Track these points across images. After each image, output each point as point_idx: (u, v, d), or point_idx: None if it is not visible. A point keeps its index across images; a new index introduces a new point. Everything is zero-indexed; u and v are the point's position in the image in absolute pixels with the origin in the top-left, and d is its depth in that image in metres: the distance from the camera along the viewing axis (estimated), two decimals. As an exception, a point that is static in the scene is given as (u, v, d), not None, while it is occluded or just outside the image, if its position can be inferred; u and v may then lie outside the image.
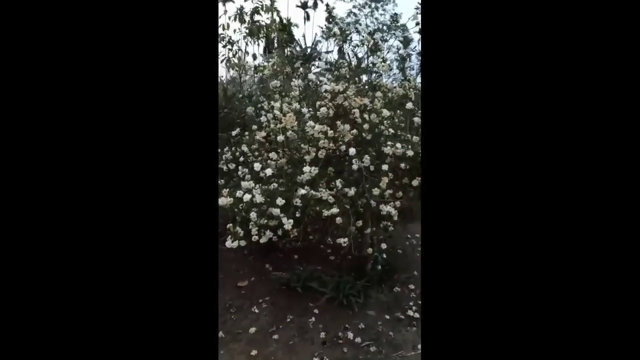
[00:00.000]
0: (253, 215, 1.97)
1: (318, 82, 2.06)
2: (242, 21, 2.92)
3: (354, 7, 5.87)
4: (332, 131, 1.98)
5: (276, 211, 1.98)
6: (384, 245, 2.13)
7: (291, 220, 1.95)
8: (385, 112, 2.04)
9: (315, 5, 3.48)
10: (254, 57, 3.00)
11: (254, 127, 2.53)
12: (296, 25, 3.30)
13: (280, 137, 2.23)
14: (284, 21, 3.10)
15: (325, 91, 1.92)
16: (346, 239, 1.97)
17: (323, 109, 1.96)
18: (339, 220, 2.03)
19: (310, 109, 2.27)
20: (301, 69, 2.16)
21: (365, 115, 2.23)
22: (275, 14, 2.93)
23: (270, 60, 2.65)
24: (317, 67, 2.85)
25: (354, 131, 2.27)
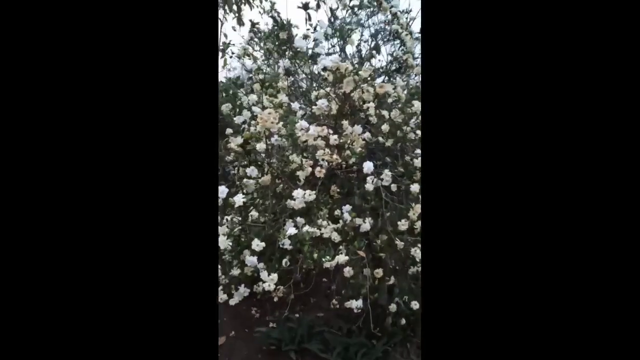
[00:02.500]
0: (215, 268, 1.28)
1: (309, 57, 1.37)
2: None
3: (355, 6, 5.34)
4: (335, 136, 1.29)
5: (252, 260, 1.29)
6: (415, 304, 1.44)
7: (274, 276, 1.25)
8: (418, 106, 1.34)
9: (317, 7, 2.89)
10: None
11: (229, 130, 1.86)
12: (296, 27, 2.75)
13: (262, 145, 1.55)
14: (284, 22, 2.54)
15: (325, 69, 1.22)
16: (359, 303, 1.27)
17: (322, 102, 1.27)
18: (348, 270, 1.33)
19: (304, 103, 1.58)
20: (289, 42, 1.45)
21: (384, 112, 1.54)
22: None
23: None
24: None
25: (367, 135, 1.58)
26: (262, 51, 1.71)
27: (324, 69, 1.20)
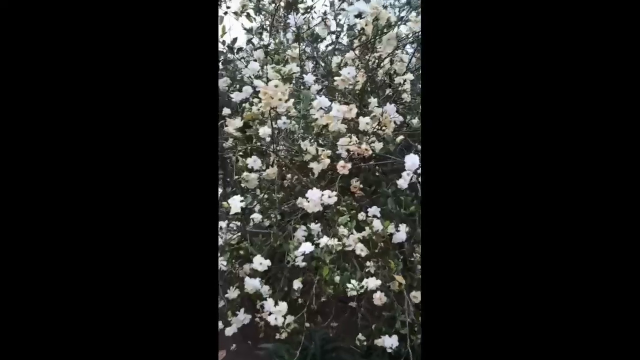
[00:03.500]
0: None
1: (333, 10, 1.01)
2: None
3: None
4: (367, 118, 0.95)
5: (254, 283, 0.98)
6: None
7: (283, 306, 0.94)
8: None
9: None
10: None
11: (226, 110, 1.53)
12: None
13: (266, 130, 1.21)
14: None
15: (360, 16, 0.85)
16: (394, 340, 0.96)
17: (347, 71, 0.92)
18: (379, 297, 1.02)
19: (317, 75, 1.23)
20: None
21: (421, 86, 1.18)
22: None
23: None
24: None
25: (396, 116, 1.23)
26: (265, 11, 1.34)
27: (359, 15, 0.84)
